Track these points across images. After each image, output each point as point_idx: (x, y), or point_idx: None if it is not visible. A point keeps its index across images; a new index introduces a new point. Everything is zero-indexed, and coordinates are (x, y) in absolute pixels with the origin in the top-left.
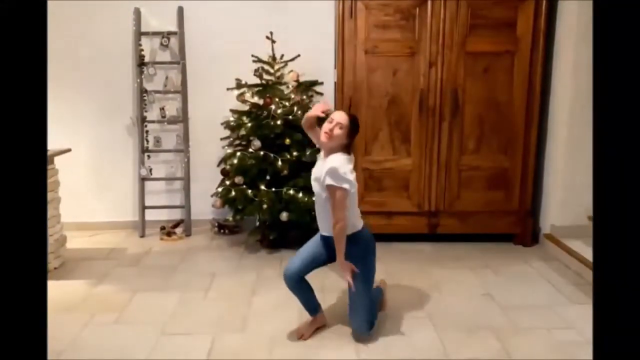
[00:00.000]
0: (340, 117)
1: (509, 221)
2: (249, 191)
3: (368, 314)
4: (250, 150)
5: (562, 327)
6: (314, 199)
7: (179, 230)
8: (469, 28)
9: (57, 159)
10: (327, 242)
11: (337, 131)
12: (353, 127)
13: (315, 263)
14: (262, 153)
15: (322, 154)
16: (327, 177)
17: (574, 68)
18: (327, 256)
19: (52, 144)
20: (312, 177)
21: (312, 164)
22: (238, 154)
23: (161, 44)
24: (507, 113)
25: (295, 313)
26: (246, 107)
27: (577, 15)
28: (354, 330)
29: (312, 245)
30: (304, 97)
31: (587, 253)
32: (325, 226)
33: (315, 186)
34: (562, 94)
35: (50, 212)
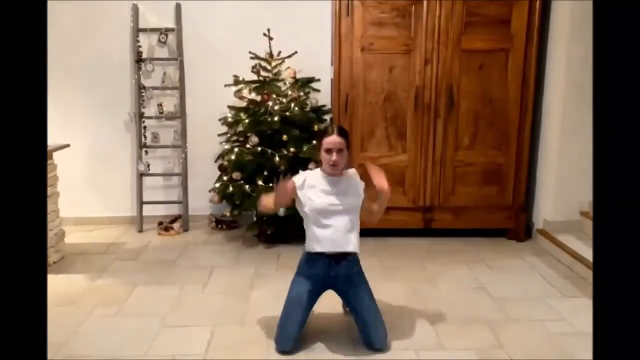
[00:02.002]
0: (334, 141)
1: (503, 216)
2: (247, 186)
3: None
4: (248, 146)
5: (554, 319)
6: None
7: (176, 225)
8: (464, 25)
9: (55, 155)
10: (329, 271)
11: (342, 157)
12: (347, 137)
13: (306, 317)
14: (259, 149)
15: (320, 176)
16: (360, 183)
17: (567, 64)
18: (318, 292)
19: (51, 140)
20: (328, 202)
21: (309, 159)
22: (236, 149)
23: (159, 40)
24: (502, 109)
25: None
26: (244, 104)
27: (570, 12)
28: (376, 345)
29: (296, 306)
30: (301, 93)
31: (579, 247)
32: (353, 239)
33: (334, 203)
34: (556, 90)
35: (49, 207)
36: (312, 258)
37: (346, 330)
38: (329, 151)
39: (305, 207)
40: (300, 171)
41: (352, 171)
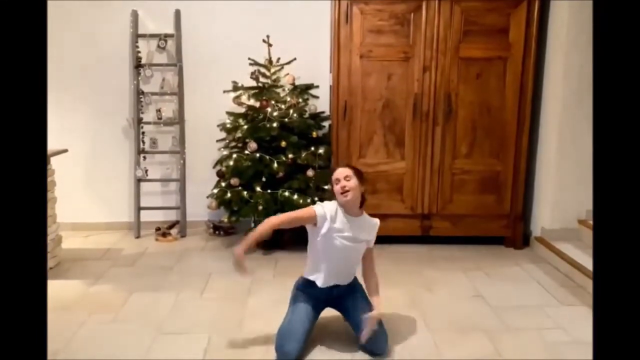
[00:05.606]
0: (343, 171)
1: (500, 224)
2: (245, 193)
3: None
4: (246, 152)
5: (552, 328)
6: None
7: (174, 231)
8: (462, 34)
9: (53, 160)
10: (332, 292)
11: (351, 183)
12: (357, 171)
13: (310, 330)
14: (257, 155)
15: (339, 212)
16: (374, 234)
17: (565, 73)
18: (320, 309)
19: (49, 145)
20: (343, 235)
21: (307, 166)
22: (234, 155)
23: (158, 46)
24: (499, 117)
25: None
26: (242, 110)
27: (568, 22)
28: (376, 350)
29: (302, 315)
30: (300, 100)
31: (577, 256)
32: (350, 274)
33: (349, 243)
34: (554, 99)
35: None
36: (309, 284)
37: (344, 335)
38: (337, 181)
39: (321, 239)
40: (320, 203)
41: (374, 220)
